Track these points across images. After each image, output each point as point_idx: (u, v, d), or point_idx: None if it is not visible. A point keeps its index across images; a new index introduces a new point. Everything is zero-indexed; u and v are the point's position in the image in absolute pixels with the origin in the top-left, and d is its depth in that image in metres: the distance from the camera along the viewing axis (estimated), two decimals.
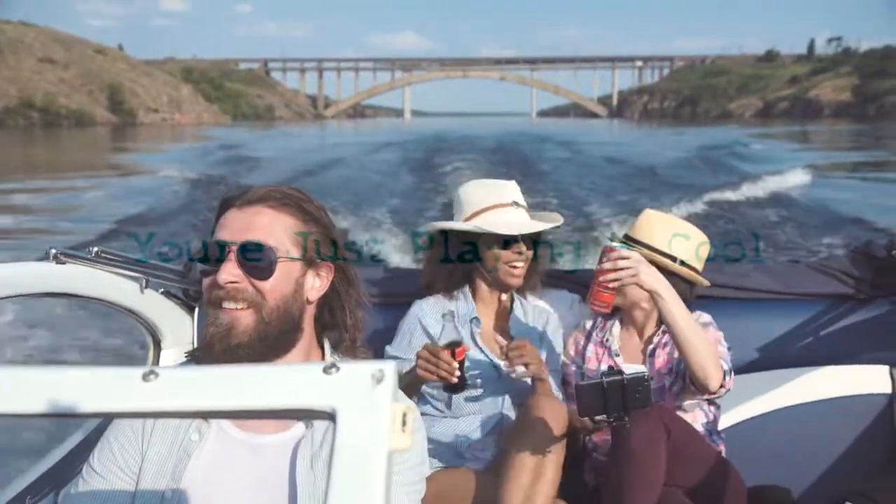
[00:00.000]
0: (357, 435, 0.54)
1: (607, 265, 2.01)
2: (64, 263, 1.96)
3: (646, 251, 2.20)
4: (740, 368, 2.42)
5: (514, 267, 2.30)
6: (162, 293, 2.30)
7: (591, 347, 2.38)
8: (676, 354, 2.20)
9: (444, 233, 2.37)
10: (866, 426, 2.52)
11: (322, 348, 1.49)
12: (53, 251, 1.94)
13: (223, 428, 1.38)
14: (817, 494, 2.45)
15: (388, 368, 0.57)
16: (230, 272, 1.34)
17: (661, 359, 2.30)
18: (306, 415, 0.59)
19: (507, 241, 2.29)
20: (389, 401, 0.55)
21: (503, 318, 2.39)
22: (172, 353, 2.30)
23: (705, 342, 2.08)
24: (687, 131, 57.03)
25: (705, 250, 2.34)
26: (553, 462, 1.93)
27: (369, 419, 0.54)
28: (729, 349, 2.22)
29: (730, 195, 14.79)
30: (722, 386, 2.10)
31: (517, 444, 1.95)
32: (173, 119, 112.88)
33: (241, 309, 1.35)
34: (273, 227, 1.38)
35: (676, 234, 2.29)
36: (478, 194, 2.35)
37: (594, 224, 11.85)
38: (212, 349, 1.34)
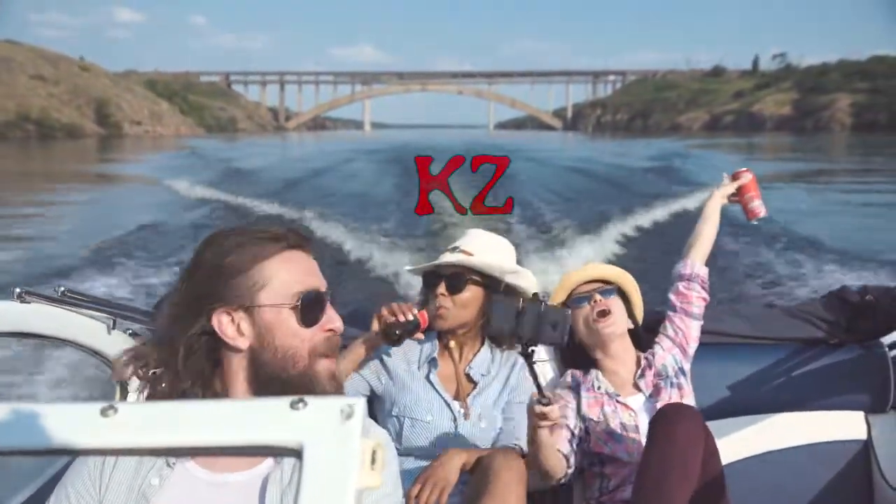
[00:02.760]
0: (325, 472, 0.51)
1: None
2: (28, 303, 1.91)
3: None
4: (714, 414, 2.41)
5: (437, 307, 2.25)
6: (129, 334, 2.22)
7: (584, 396, 2.31)
8: (662, 362, 2.33)
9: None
10: (842, 473, 2.47)
11: None
12: (17, 290, 1.90)
13: (186, 468, 1.27)
14: None
15: (358, 404, 0.55)
16: (337, 317, 1.31)
17: (649, 378, 2.32)
18: (272, 451, 0.56)
19: (428, 282, 2.31)
20: (358, 437, 0.53)
21: (464, 361, 2.33)
22: (140, 397, 2.20)
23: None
24: (638, 143, 59.52)
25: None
26: None
27: (337, 456, 0.52)
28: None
29: (671, 207, 15.44)
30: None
31: None
32: (155, 131, 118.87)
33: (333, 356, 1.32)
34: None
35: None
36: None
37: (556, 237, 12.30)
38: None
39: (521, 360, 2.30)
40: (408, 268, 2.44)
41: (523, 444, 2.15)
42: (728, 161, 34.45)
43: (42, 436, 0.56)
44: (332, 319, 1.29)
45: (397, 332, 2.06)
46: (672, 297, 2.42)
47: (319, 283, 1.31)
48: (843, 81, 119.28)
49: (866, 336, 2.52)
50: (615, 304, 2.36)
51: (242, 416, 0.56)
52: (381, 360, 2.33)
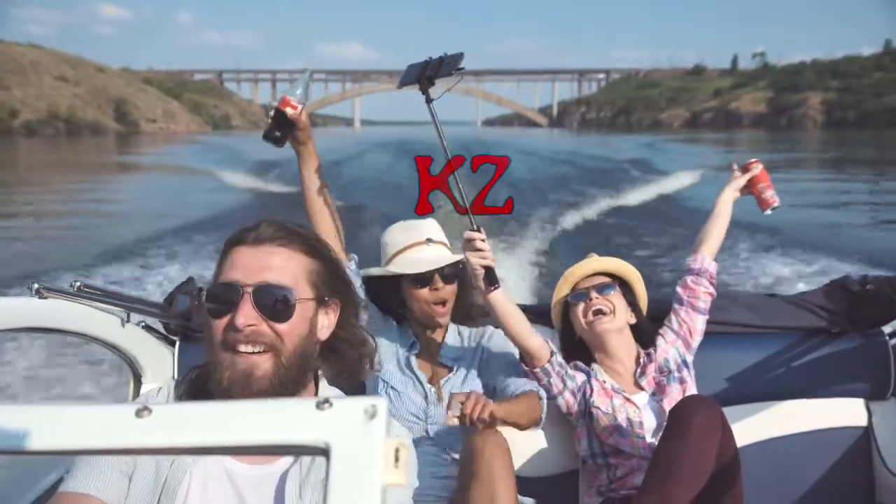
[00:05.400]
0: (351, 470, 0.53)
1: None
2: (46, 298, 1.94)
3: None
4: (718, 401, 2.34)
5: (434, 304, 2.24)
6: (143, 327, 2.26)
7: (594, 384, 2.30)
8: (664, 356, 2.32)
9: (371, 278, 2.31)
10: (843, 459, 2.47)
11: (317, 384, 1.40)
12: (36, 286, 1.92)
13: (210, 461, 1.29)
14: None
15: (381, 404, 0.56)
16: (248, 315, 1.25)
17: (650, 375, 2.31)
18: (299, 450, 0.58)
19: (422, 280, 2.24)
20: (382, 436, 0.55)
21: (437, 347, 2.33)
22: (152, 387, 2.06)
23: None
24: (623, 139, 60.52)
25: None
26: (506, 499, 1.83)
27: (362, 454, 0.54)
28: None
29: (645, 192, 17.02)
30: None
31: (466, 493, 1.86)
32: (168, 128, 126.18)
33: (260, 353, 1.26)
34: (288, 267, 1.30)
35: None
36: (395, 237, 2.31)
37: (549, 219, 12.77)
38: (229, 395, 1.25)
39: (489, 330, 2.35)
40: (406, 270, 2.25)
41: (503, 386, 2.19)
42: (699, 153, 36.76)
43: (80, 436, 0.58)
44: (240, 315, 1.25)
45: (276, 132, 2.06)
46: (679, 290, 2.39)
47: (240, 276, 1.28)
48: (815, 80, 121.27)
49: (867, 325, 2.52)
50: (615, 299, 2.34)
51: (271, 417, 0.58)
52: (381, 331, 2.32)
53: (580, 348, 2.41)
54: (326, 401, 0.57)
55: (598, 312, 2.32)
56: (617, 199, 16.18)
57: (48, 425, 0.58)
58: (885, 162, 36.08)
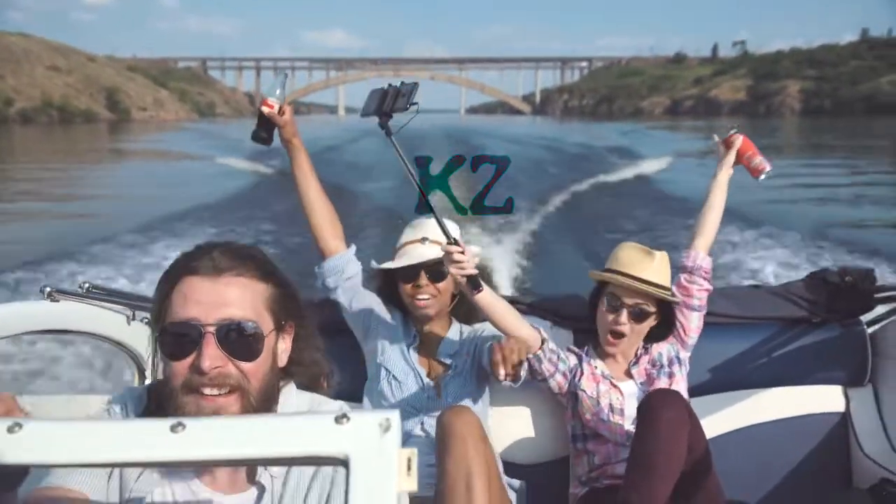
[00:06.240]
0: (369, 479, 0.57)
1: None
2: (58, 301, 2.02)
3: (645, 287, 2.23)
4: (703, 390, 2.49)
5: (419, 299, 2.30)
6: (146, 323, 2.24)
7: (585, 368, 2.34)
8: (659, 350, 2.35)
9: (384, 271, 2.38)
10: (823, 443, 2.53)
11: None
12: (48, 289, 2.02)
13: (176, 483, 1.22)
14: None
15: (394, 418, 0.61)
16: (213, 356, 1.14)
17: (643, 366, 2.34)
18: (321, 461, 0.62)
19: (404, 275, 2.30)
20: (397, 447, 0.59)
21: (436, 343, 2.38)
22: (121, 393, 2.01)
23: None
24: (605, 127, 60.47)
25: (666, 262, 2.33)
26: (479, 476, 1.81)
27: (379, 464, 0.58)
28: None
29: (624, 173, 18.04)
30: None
31: (441, 469, 1.86)
32: (158, 116, 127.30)
33: (226, 395, 1.16)
34: (247, 298, 1.20)
35: (653, 262, 2.28)
36: (404, 234, 2.38)
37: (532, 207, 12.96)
38: None
39: (484, 324, 2.34)
40: (391, 265, 2.33)
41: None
42: (679, 140, 37.27)
43: (117, 450, 0.62)
44: (204, 357, 1.13)
45: (262, 133, 2.15)
46: (674, 289, 2.35)
47: (199, 313, 1.16)
48: (793, 69, 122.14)
49: (846, 315, 2.58)
50: (644, 327, 2.31)
51: (294, 431, 0.62)
52: (383, 319, 2.40)
53: (592, 330, 2.43)
54: (345, 416, 0.61)
55: (618, 335, 2.30)
56: (598, 183, 16.80)
57: (87, 440, 0.62)
58: (858, 149, 36.73)
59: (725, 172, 2.45)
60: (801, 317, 2.60)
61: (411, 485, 0.59)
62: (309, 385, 1.34)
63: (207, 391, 1.16)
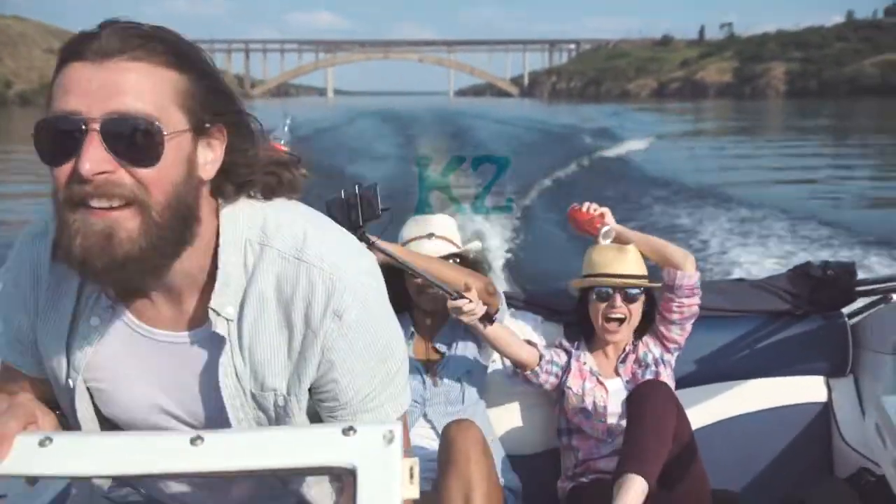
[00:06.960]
0: (375, 488, 0.61)
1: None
2: None
3: (619, 281, 2.29)
4: (689, 382, 2.52)
5: (419, 293, 2.33)
6: None
7: (573, 364, 2.37)
8: (645, 349, 2.39)
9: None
10: (805, 433, 2.58)
11: (218, 219, 1.07)
12: None
13: (122, 319, 1.10)
14: (759, 500, 2.49)
15: (397, 429, 0.65)
16: (97, 158, 0.91)
17: (629, 364, 2.38)
18: (330, 471, 0.68)
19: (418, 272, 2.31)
20: (400, 457, 0.63)
21: (432, 331, 2.42)
22: None
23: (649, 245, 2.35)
24: (593, 108, 61.04)
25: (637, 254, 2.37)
26: (479, 494, 1.83)
27: (384, 474, 0.62)
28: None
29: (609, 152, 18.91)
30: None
31: (442, 483, 1.88)
32: None
33: (119, 208, 0.94)
34: (149, 88, 0.94)
35: (623, 254, 2.34)
36: (406, 229, 2.40)
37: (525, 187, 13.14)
38: (87, 266, 0.95)
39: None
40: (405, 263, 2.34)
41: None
42: (665, 122, 37.64)
43: (140, 462, 0.66)
44: (84, 159, 0.91)
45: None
46: (660, 304, 2.40)
47: (80, 104, 0.92)
48: (779, 51, 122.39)
49: (827, 307, 2.63)
50: (638, 306, 2.36)
51: (305, 442, 0.67)
52: None
53: (584, 324, 2.45)
54: (351, 428, 0.66)
55: (618, 321, 2.32)
56: (585, 162, 17.30)
57: (112, 453, 0.66)
58: (843, 130, 37.13)
59: (624, 237, 2.39)
60: (785, 309, 2.64)
61: (414, 492, 0.62)
62: (265, 193, 1.10)
63: (95, 202, 0.93)
